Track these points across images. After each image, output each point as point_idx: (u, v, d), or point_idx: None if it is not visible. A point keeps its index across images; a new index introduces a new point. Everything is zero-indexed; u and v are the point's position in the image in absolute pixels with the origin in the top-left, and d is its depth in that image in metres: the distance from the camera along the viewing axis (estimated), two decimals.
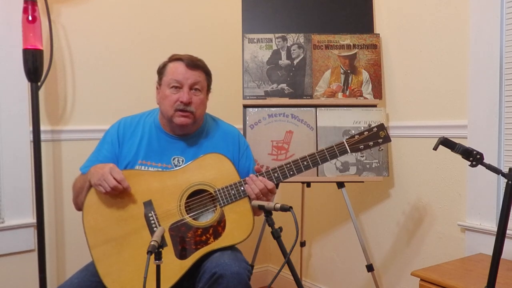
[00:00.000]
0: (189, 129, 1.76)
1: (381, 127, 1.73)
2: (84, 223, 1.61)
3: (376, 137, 1.72)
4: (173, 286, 1.56)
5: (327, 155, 1.70)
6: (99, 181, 1.58)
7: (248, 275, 1.56)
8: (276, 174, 1.68)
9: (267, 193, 1.65)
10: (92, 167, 1.66)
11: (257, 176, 1.67)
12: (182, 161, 1.75)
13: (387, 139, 1.73)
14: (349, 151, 1.70)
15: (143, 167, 1.72)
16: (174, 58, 1.74)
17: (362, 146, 1.71)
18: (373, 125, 1.73)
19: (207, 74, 1.78)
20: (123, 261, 1.58)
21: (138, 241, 1.60)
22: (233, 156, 1.80)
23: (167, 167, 1.73)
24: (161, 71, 1.76)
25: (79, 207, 1.70)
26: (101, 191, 1.59)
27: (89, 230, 1.60)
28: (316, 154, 1.69)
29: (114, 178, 1.57)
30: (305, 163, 1.69)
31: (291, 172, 1.69)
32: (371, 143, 1.72)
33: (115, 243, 1.59)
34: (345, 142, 1.70)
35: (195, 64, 1.72)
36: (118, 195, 1.62)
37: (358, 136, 1.71)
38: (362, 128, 1.74)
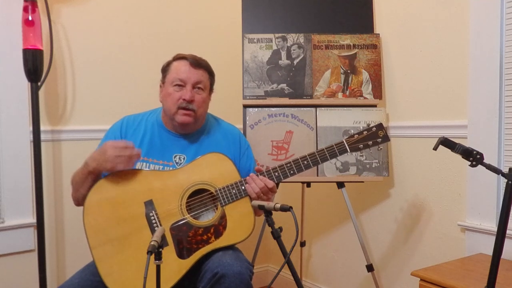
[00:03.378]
0: (190, 127, 1.77)
1: (380, 126, 1.75)
2: (85, 223, 1.61)
3: (375, 136, 1.74)
4: (174, 286, 1.56)
5: (327, 154, 1.71)
6: (115, 160, 1.57)
7: (250, 275, 1.57)
8: (276, 173, 1.69)
9: (268, 192, 1.66)
10: (88, 158, 1.63)
11: (257, 175, 1.67)
12: (184, 158, 1.76)
13: (386, 138, 1.75)
14: (348, 150, 1.72)
15: (144, 164, 1.73)
16: (178, 57, 1.77)
17: (362, 146, 1.73)
18: (372, 125, 1.75)
19: (210, 74, 1.80)
20: (124, 261, 1.58)
21: (139, 241, 1.59)
22: (233, 156, 1.81)
23: (168, 164, 1.74)
24: (165, 69, 1.79)
25: (78, 202, 1.70)
26: (122, 168, 1.59)
27: (90, 230, 1.60)
28: (316, 153, 1.70)
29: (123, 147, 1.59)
30: (305, 162, 1.70)
31: (291, 171, 1.69)
32: (370, 142, 1.73)
33: (116, 243, 1.59)
34: (344, 142, 1.72)
35: (198, 63, 1.74)
36: (118, 195, 1.62)
37: (357, 135, 1.73)
38: (362, 128, 1.75)
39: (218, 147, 1.78)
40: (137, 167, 1.72)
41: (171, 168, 1.73)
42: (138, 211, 1.62)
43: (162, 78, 1.80)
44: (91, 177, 1.63)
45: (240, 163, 1.82)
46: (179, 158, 1.76)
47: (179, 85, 1.72)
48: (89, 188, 1.63)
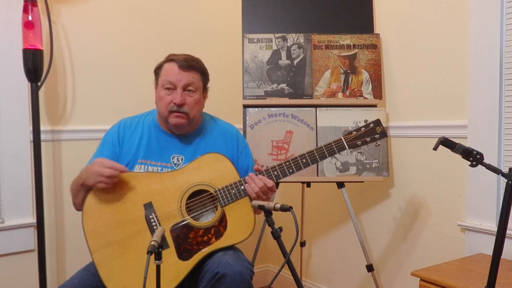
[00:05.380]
0: (185, 129, 1.77)
1: (378, 123, 1.75)
2: (84, 228, 1.60)
3: (373, 132, 1.74)
4: (175, 287, 1.56)
5: (326, 152, 1.71)
6: (97, 179, 1.57)
7: (250, 275, 1.56)
8: (275, 173, 1.69)
9: (267, 192, 1.66)
10: (82, 171, 1.65)
11: (256, 175, 1.67)
12: (182, 159, 1.75)
13: (383, 134, 1.76)
14: (347, 147, 1.72)
15: (143, 166, 1.73)
16: (169, 59, 1.75)
17: (360, 142, 1.73)
18: (369, 121, 1.75)
19: (203, 74, 1.77)
20: (125, 264, 1.57)
21: (139, 244, 1.59)
22: (232, 155, 1.80)
23: (166, 165, 1.74)
24: (157, 71, 1.77)
25: (77, 207, 1.70)
26: (103, 187, 1.58)
27: (90, 234, 1.59)
28: (314, 151, 1.70)
29: (107, 167, 1.57)
30: (304, 160, 1.69)
31: (290, 170, 1.69)
32: (368, 138, 1.74)
33: (116, 247, 1.58)
34: (342, 139, 1.72)
35: (188, 65, 1.71)
36: (118, 198, 1.62)
37: (355, 132, 1.74)
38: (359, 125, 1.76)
39: (216, 147, 1.78)
40: (135, 170, 1.72)
41: (169, 170, 1.72)
42: (138, 214, 1.62)
43: (155, 80, 1.78)
44: (83, 188, 1.63)
45: (238, 162, 1.82)
46: (177, 159, 1.75)
47: (169, 88, 1.71)
48: (83, 198, 1.63)
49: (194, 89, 1.73)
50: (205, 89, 1.80)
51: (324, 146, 1.71)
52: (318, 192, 2.66)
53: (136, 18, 2.50)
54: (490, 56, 1.84)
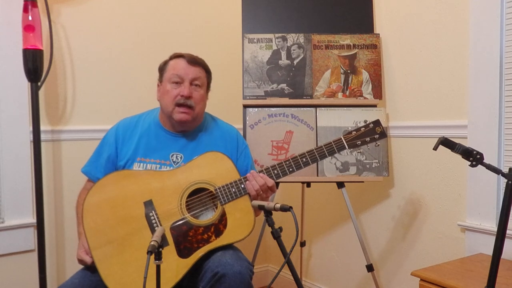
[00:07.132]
0: (188, 125, 1.78)
1: (377, 123, 1.76)
2: (84, 225, 1.60)
3: (373, 133, 1.75)
4: (175, 286, 1.56)
5: (325, 151, 1.72)
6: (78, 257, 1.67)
7: (250, 275, 1.57)
8: (275, 171, 1.69)
9: (267, 190, 1.66)
10: (80, 238, 1.69)
11: (257, 172, 1.67)
12: (181, 157, 1.76)
13: (383, 134, 1.76)
14: (346, 147, 1.73)
15: (142, 164, 1.74)
16: (175, 56, 1.79)
17: (359, 142, 1.74)
18: (369, 122, 1.76)
19: (207, 72, 1.82)
20: (124, 262, 1.57)
21: (139, 242, 1.59)
22: (231, 155, 1.80)
23: (165, 163, 1.74)
24: (162, 68, 1.81)
25: None
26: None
27: (89, 232, 1.60)
28: (314, 150, 1.71)
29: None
30: (304, 159, 1.70)
31: (291, 169, 1.70)
32: (367, 138, 1.75)
33: (116, 244, 1.59)
34: (342, 138, 1.73)
35: (195, 60, 1.77)
36: (118, 196, 1.62)
37: (355, 132, 1.75)
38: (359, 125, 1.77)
39: (216, 147, 1.79)
40: (134, 168, 1.73)
41: (168, 167, 1.73)
42: (138, 212, 1.62)
43: (160, 77, 1.81)
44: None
45: (237, 163, 1.82)
46: (176, 157, 1.76)
47: (176, 82, 1.74)
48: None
49: (201, 84, 1.77)
50: (208, 88, 1.84)
51: (324, 145, 1.72)
52: (318, 192, 2.66)
53: (136, 18, 2.50)
54: (490, 56, 1.84)
